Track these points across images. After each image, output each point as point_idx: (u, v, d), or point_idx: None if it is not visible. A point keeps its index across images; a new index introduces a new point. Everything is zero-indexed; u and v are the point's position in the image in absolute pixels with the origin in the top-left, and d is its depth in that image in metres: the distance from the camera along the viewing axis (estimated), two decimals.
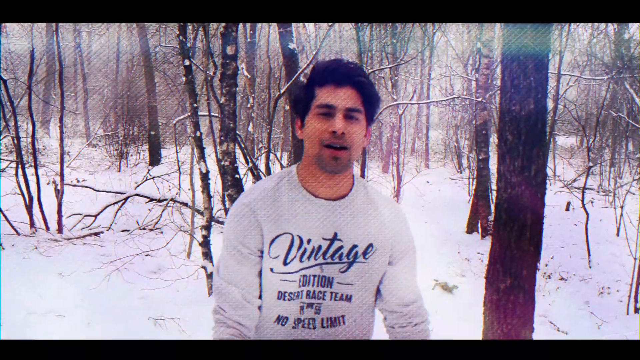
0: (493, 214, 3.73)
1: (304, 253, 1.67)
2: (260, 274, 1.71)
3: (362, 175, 9.21)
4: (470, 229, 10.53)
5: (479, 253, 8.75)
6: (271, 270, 1.68)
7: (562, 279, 7.52)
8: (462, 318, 5.74)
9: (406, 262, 1.85)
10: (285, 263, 1.66)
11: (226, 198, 6.27)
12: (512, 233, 3.23)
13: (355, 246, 1.70)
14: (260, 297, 1.72)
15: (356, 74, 1.64)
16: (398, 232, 1.81)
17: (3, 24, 8.13)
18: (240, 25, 20.88)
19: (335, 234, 1.67)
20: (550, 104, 8.88)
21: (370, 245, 1.72)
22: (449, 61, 21.45)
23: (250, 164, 12.46)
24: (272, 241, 1.66)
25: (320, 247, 1.67)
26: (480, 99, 9.91)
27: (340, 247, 1.68)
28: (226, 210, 6.33)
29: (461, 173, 19.04)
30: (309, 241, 1.66)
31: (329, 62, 1.69)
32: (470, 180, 14.08)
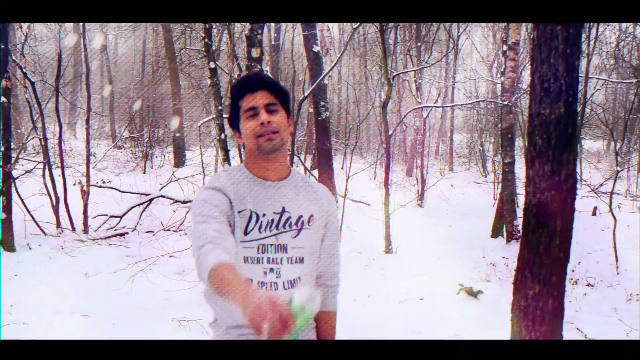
0: (519, 219, 3.67)
1: (261, 226, 2.01)
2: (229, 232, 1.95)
3: (387, 179, 9.16)
4: (496, 233, 10.43)
5: (504, 258, 8.66)
6: (239, 240, 2.00)
7: (589, 285, 7.41)
8: (487, 324, 5.67)
9: (335, 235, 2.22)
10: (245, 233, 2.00)
11: None
12: (541, 239, 3.17)
13: (301, 216, 2.08)
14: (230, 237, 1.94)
15: (263, 79, 2.10)
16: (329, 207, 2.19)
17: (28, 26, 8.20)
18: (265, 28, 20.97)
19: (283, 208, 2.05)
20: (577, 108, 8.76)
21: (312, 215, 2.11)
22: (474, 64, 21.31)
23: None
24: (239, 212, 2.00)
25: (272, 220, 2.03)
26: (505, 102, 9.81)
27: (289, 218, 2.05)
28: None
29: (486, 177, 18.89)
30: (263, 215, 2.02)
31: (239, 79, 2.19)
32: (495, 184, 13.96)
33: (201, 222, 1.93)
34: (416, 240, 9.69)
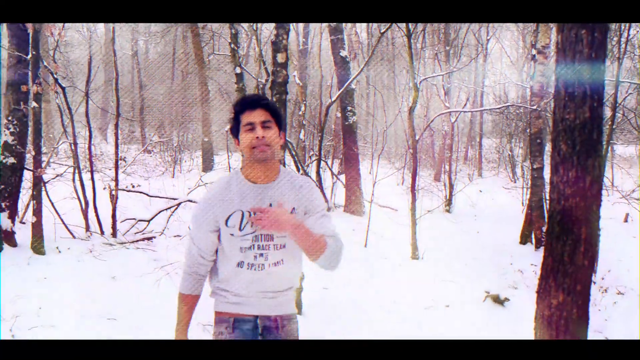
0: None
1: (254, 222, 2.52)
2: (216, 239, 2.62)
3: (413, 184, 9.11)
4: (524, 239, 10.29)
5: (532, 265, 8.54)
6: (231, 235, 2.57)
7: (619, 293, 7.27)
8: (513, 332, 5.59)
9: (317, 211, 2.66)
10: (240, 229, 2.57)
11: None
12: (566, 247, 3.11)
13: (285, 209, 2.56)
14: (212, 254, 2.68)
15: (262, 100, 2.57)
16: (308, 195, 2.66)
17: (59, 33, 8.33)
18: (293, 33, 21.00)
19: (270, 205, 2.56)
20: (608, 112, 8.61)
21: (293, 208, 2.61)
22: (504, 68, 21.10)
23: (301, 172, 12.51)
24: (228, 217, 2.56)
25: None
26: (534, 107, 9.69)
27: None
28: None
29: (515, 182, 18.66)
30: (255, 213, 2.51)
31: (242, 98, 2.66)
32: (524, 189, 13.78)
33: (192, 245, 2.68)
34: (443, 246, 9.60)
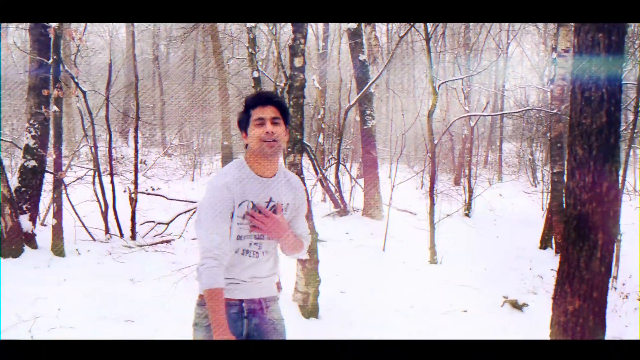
0: None
1: (255, 212, 2.71)
2: (229, 228, 2.68)
3: (432, 188, 9.07)
4: (544, 244, 10.19)
5: (552, 270, 8.42)
6: (237, 223, 2.69)
7: None
8: (531, 337, 5.54)
9: (303, 210, 2.91)
10: (243, 217, 2.70)
11: None
12: (582, 253, 3.08)
13: (281, 204, 2.77)
14: (228, 245, 2.68)
15: (274, 97, 2.73)
16: (301, 194, 2.88)
17: (79, 37, 8.43)
18: (313, 37, 21.03)
19: (271, 198, 2.74)
20: (630, 116, 8.50)
21: (289, 203, 2.81)
22: (524, 72, 20.92)
23: (320, 175, 12.51)
24: (239, 205, 2.68)
25: (264, 207, 2.72)
26: (555, 111, 9.60)
27: (274, 206, 2.75)
28: None
29: (535, 187, 18.50)
30: (258, 204, 2.70)
31: (255, 94, 2.83)
32: (545, 194, 13.65)
33: (211, 231, 2.63)
34: (462, 251, 9.54)
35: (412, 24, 9.87)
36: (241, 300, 2.73)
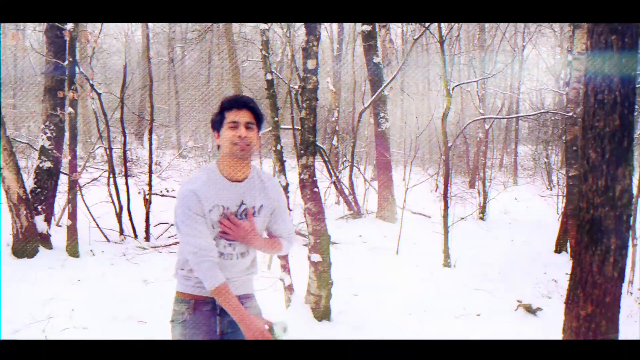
0: None
1: (225, 215, 2.71)
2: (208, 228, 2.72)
3: (445, 191, 9.03)
4: (559, 248, 10.11)
5: (567, 274, 8.32)
6: (212, 226, 2.71)
7: None
8: None
9: (282, 211, 2.91)
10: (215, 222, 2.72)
11: (305, 212, 6.26)
12: (594, 257, 3.04)
13: (254, 207, 2.79)
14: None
15: (249, 102, 2.73)
16: (276, 196, 2.88)
17: (95, 40, 8.49)
18: (327, 40, 21.05)
19: (242, 201, 2.75)
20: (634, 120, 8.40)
21: (262, 205, 2.82)
22: (540, 74, 20.78)
23: (334, 177, 12.50)
24: (210, 211, 2.69)
25: (234, 211, 2.74)
26: (570, 114, 9.53)
27: (245, 209, 2.77)
28: (307, 224, 6.35)
29: (551, 190, 18.36)
30: (228, 208, 2.72)
31: (231, 96, 2.78)
32: (560, 197, 13.55)
33: (192, 235, 2.66)
34: (476, 254, 9.49)
35: (426, 26, 9.84)
36: (214, 298, 2.72)
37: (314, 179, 6.13)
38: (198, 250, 2.66)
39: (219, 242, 2.74)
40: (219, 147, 2.75)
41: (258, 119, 2.74)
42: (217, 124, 2.76)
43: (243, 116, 2.68)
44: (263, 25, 6.84)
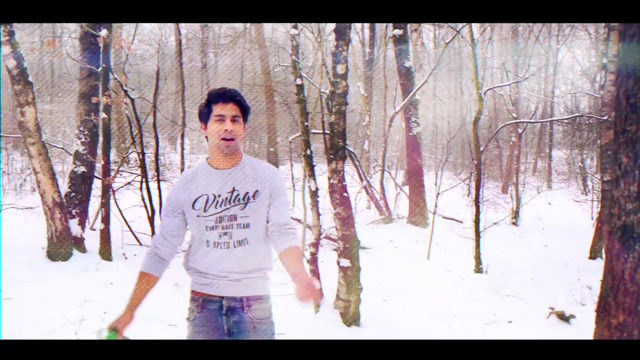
0: None
1: (218, 203, 2.76)
2: (180, 221, 2.86)
3: (477, 195, 8.95)
4: (594, 254, 9.93)
5: (602, 281, 8.21)
6: (198, 216, 2.77)
7: None
8: None
9: (281, 199, 2.83)
10: (205, 210, 2.77)
11: (335, 217, 6.25)
12: (627, 265, 2.98)
13: (247, 193, 2.77)
14: (174, 236, 2.90)
15: (236, 95, 2.77)
16: (273, 182, 2.82)
17: (128, 47, 8.62)
18: (359, 44, 21.02)
19: (234, 187, 2.76)
20: None
21: (257, 190, 2.78)
22: (575, 78, 20.47)
23: (365, 182, 12.47)
24: (195, 201, 2.78)
25: (227, 197, 2.75)
26: (605, 117, 9.36)
27: (238, 195, 2.76)
28: (336, 228, 6.35)
29: (586, 195, 18.04)
30: (219, 195, 2.76)
31: (218, 89, 2.81)
32: (595, 202, 13.31)
33: (162, 223, 2.90)
34: (508, 260, 9.38)
35: (457, 29, 9.78)
36: (222, 297, 2.81)
37: (344, 183, 6.13)
38: (154, 238, 2.92)
39: (213, 231, 2.77)
40: (207, 138, 2.82)
41: (244, 111, 2.79)
42: (204, 115, 2.81)
43: (229, 109, 2.73)
44: (293, 30, 6.86)
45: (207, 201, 2.77)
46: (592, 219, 13.12)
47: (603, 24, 10.65)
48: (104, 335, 2.76)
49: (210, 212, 2.77)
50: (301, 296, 2.53)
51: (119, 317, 2.87)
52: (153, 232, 9.13)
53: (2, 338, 5.06)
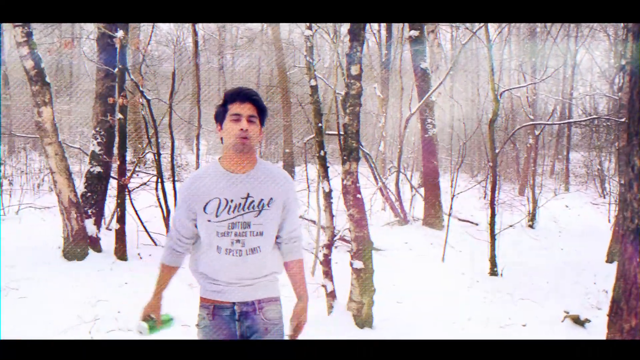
0: None
1: (230, 208, 2.67)
2: (193, 225, 2.77)
3: (492, 197, 8.89)
4: (611, 258, 9.82)
5: (614, 284, 8.12)
6: (209, 221, 2.68)
7: None
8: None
9: (295, 210, 2.83)
10: (217, 215, 2.68)
11: (348, 218, 6.24)
12: (639, 268, 2.95)
13: (262, 200, 2.70)
14: (189, 238, 2.84)
15: (252, 95, 2.70)
16: (287, 189, 2.79)
17: (144, 48, 8.67)
18: (375, 45, 20.99)
19: (248, 194, 2.68)
20: None
21: (272, 198, 2.72)
22: (594, 79, 20.28)
23: (380, 184, 12.44)
24: (206, 205, 2.69)
25: (240, 203, 2.67)
26: (623, 119, 9.27)
27: (252, 201, 2.69)
28: (350, 230, 6.34)
29: (604, 197, 17.86)
30: (232, 200, 2.67)
31: (235, 89, 2.74)
32: (612, 205, 13.17)
33: (173, 227, 2.84)
34: (524, 263, 9.30)
35: (474, 31, 9.73)
36: (233, 303, 2.77)
37: (357, 185, 6.11)
38: (170, 237, 2.89)
39: (226, 237, 2.70)
40: (222, 139, 2.74)
41: (261, 112, 2.72)
42: (219, 116, 2.75)
43: (246, 109, 2.66)
44: (307, 32, 6.87)
45: (219, 206, 2.69)
46: (609, 222, 12.98)
47: (622, 25, 10.55)
48: (145, 329, 2.84)
49: (222, 218, 2.69)
50: (290, 333, 2.78)
51: (147, 305, 2.94)
52: (168, 232, 9.18)
53: (16, 337, 5.12)
